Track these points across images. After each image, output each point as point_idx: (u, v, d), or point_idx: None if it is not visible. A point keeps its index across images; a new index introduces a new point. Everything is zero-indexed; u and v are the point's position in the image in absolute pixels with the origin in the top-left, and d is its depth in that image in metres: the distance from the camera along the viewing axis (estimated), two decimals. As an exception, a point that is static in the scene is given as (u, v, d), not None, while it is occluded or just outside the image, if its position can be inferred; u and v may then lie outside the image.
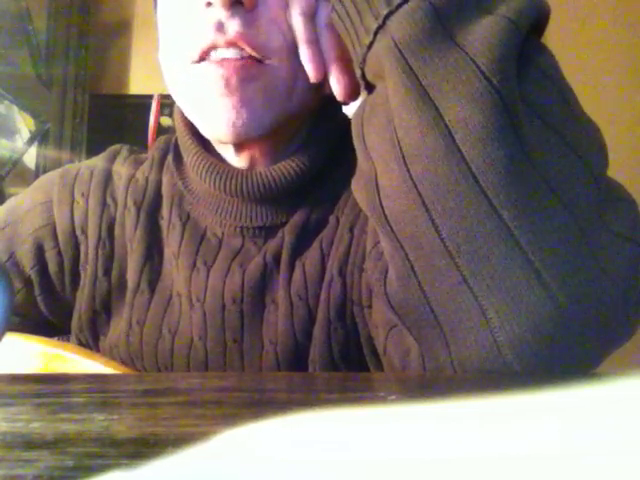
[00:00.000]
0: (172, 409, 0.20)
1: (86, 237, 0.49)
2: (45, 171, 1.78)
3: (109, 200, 0.50)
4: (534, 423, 0.16)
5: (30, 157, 1.79)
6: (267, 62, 0.40)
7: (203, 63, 0.40)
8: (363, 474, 0.13)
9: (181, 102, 0.44)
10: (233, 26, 0.38)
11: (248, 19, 0.39)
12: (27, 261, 0.49)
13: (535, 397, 0.19)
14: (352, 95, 0.39)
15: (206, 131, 0.43)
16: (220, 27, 0.38)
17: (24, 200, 0.52)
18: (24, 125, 1.76)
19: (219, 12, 0.38)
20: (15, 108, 1.71)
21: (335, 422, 0.17)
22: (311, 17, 0.39)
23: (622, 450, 0.14)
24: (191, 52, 0.40)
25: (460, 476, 0.13)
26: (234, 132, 0.40)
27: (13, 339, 0.39)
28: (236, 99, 0.39)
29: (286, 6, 0.39)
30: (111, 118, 1.97)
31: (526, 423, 0.17)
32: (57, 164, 1.78)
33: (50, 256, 0.49)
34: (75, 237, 0.49)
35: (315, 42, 0.39)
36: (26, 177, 1.78)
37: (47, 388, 0.24)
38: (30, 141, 1.77)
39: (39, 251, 0.49)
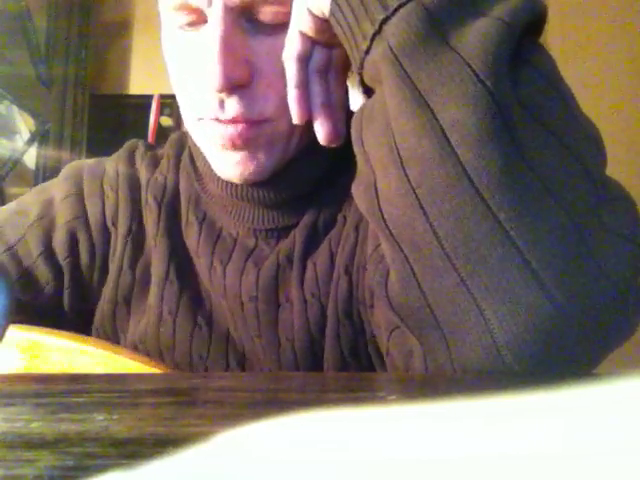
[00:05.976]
0: (172, 409, 0.20)
1: (116, 229, 0.51)
2: (45, 171, 1.78)
3: (135, 195, 0.52)
4: (534, 423, 0.16)
5: (30, 157, 1.79)
6: (266, 122, 0.42)
7: (209, 122, 0.42)
8: (363, 474, 0.13)
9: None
10: (232, 105, 0.40)
11: (245, 94, 0.40)
12: (61, 252, 0.49)
13: (535, 397, 0.19)
14: (334, 140, 0.40)
15: (216, 171, 0.46)
16: (222, 104, 0.41)
17: (55, 190, 0.53)
18: (24, 125, 1.76)
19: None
20: (15, 108, 1.71)
21: (335, 422, 0.17)
22: (305, 62, 0.39)
23: (622, 450, 0.14)
24: (197, 113, 0.43)
25: (460, 476, 0.13)
26: (242, 179, 0.44)
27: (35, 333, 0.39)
28: (243, 154, 0.43)
29: (281, 71, 0.39)
30: (111, 118, 1.97)
31: (526, 423, 0.17)
32: (57, 164, 1.78)
33: (83, 248, 0.50)
34: (106, 229, 0.51)
35: (304, 86, 0.39)
36: (26, 177, 1.77)
37: (47, 388, 0.24)
38: (30, 141, 1.77)
39: (73, 242, 0.50)
